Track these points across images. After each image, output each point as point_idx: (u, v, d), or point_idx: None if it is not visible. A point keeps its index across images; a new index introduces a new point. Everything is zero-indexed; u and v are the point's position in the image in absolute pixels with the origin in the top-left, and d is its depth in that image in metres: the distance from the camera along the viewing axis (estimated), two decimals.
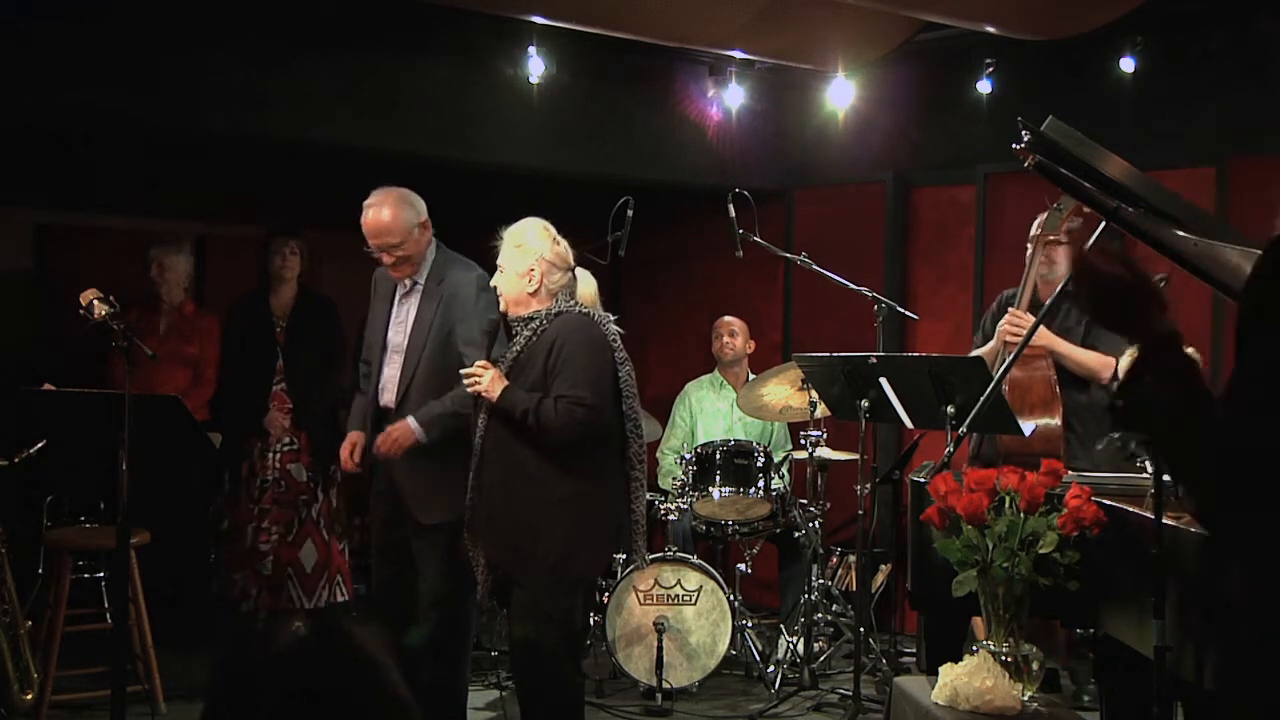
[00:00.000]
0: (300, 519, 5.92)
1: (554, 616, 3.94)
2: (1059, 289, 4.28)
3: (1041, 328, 4.78)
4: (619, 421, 4.04)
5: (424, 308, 4.48)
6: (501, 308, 4.12)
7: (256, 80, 5.36)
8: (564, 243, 4.10)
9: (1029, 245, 4.76)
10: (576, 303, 4.08)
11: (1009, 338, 4.66)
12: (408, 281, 4.51)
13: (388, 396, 4.52)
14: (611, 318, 4.14)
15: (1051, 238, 4.61)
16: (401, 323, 4.52)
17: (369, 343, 4.63)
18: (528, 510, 3.95)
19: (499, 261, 4.10)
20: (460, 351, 4.40)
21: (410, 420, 4.34)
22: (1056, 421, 4.65)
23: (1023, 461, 3.75)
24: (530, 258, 4.02)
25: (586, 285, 4.12)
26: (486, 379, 3.96)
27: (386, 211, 4.40)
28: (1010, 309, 4.72)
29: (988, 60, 6.15)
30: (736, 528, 5.72)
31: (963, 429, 4.09)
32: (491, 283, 4.15)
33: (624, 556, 5.21)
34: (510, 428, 3.96)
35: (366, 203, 4.46)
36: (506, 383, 3.96)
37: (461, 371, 4.07)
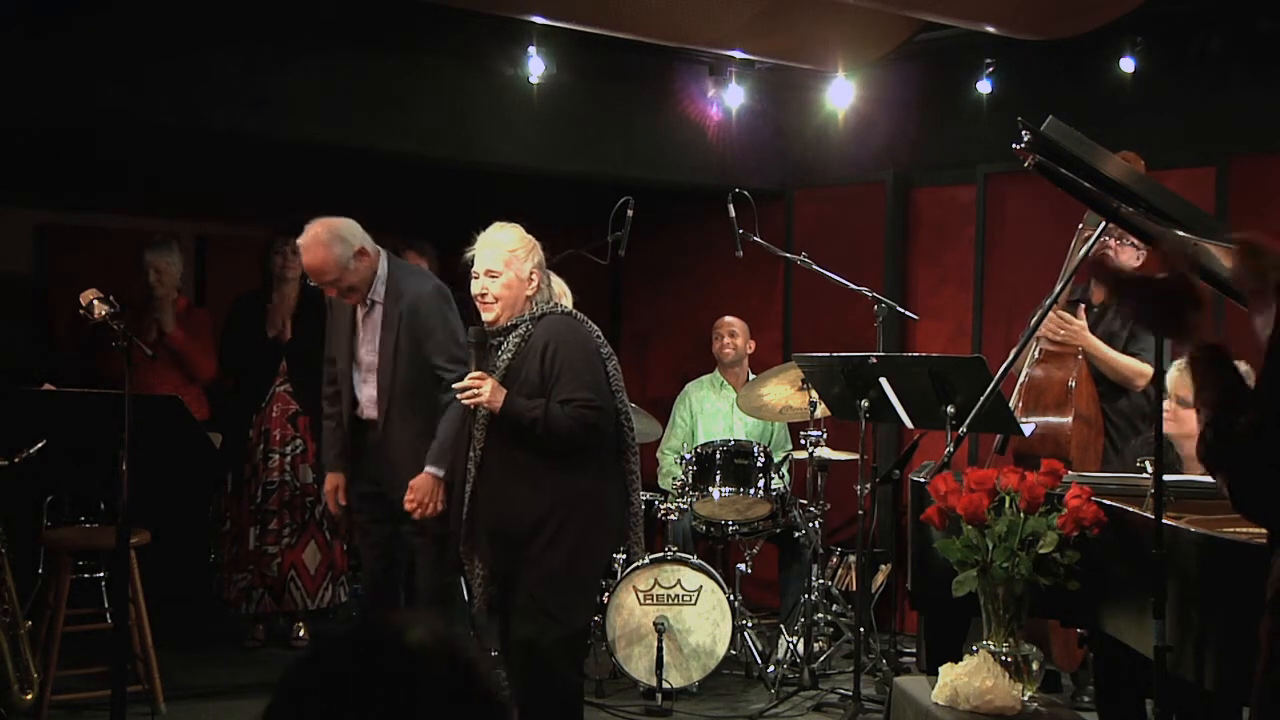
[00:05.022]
0: (304, 520, 5.91)
1: (558, 616, 3.92)
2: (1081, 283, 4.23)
3: (1084, 328, 4.78)
4: (614, 417, 4.04)
5: (385, 329, 4.53)
6: (492, 316, 3.96)
7: (256, 80, 5.36)
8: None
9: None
10: (555, 303, 4.04)
11: (1049, 337, 4.67)
12: (368, 301, 4.55)
13: (369, 413, 4.60)
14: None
15: (1088, 232, 4.58)
16: (369, 342, 4.57)
17: (334, 363, 4.67)
18: (534, 514, 3.92)
19: (487, 268, 3.94)
20: (435, 366, 4.45)
21: (427, 469, 4.43)
22: (1068, 421, 4.64)
23: (1032, 463, 3.72)
24: (532, 262, 3.97)
25: (556, 282, 4.12)
26: (486, 390, 3.87)
27: (316, 253, 4.44)
28: (1054, 310, 4.64)
29: (988, 60, 6.15)
30: (736, 528, 5.72)
31: (963, 429, 4.09)
32: (479, 290, 3.96)
33: (624, 556, 5.22)
34: (511, 435, 3.92)
35: (299, 241, 4.50)
36: (505, 391, 3.90)
37: (455, 385, 3.99)
